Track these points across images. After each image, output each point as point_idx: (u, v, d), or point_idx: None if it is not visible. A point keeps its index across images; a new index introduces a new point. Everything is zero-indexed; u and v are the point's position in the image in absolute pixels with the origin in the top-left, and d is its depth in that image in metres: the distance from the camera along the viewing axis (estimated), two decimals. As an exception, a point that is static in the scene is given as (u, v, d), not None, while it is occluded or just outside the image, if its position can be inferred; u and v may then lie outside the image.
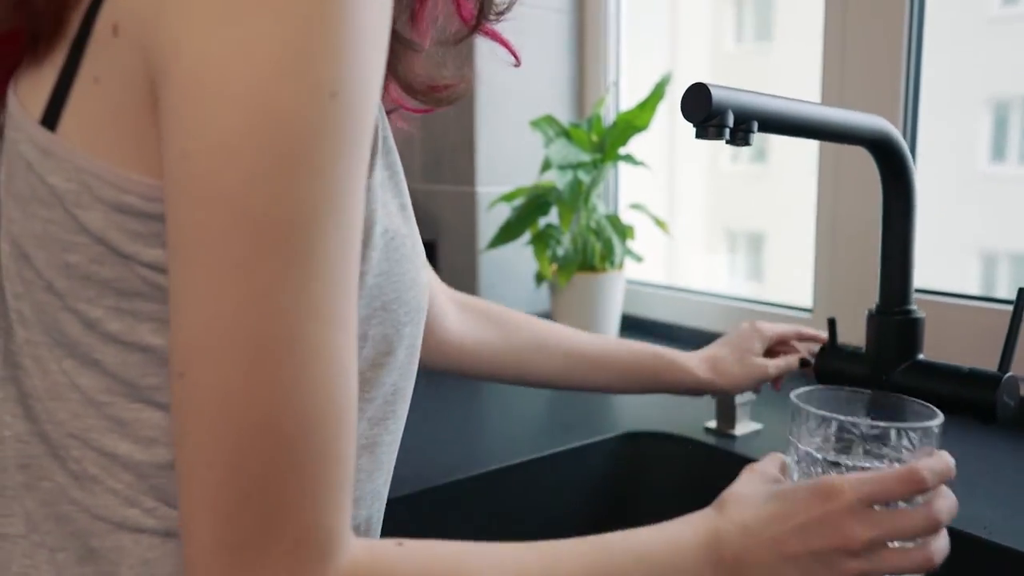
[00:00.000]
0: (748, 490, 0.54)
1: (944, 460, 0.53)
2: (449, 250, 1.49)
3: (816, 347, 0.83)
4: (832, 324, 0.81)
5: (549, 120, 1.27)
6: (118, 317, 0.43)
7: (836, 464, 0.56)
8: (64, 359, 0.44)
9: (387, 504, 0.62)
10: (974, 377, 0.70)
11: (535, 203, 1.26)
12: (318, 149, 0.36)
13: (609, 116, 1.46)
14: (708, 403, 0.98)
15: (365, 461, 0.53)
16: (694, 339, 1.31)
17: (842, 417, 0.58)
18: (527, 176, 1.43)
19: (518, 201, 1.30)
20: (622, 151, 1.26)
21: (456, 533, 0.81)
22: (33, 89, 0.43)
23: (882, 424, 0.57)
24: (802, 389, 0.63)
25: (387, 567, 0.42)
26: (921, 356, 0.74)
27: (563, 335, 0.84)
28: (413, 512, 0.77)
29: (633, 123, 1.23)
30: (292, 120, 0.36)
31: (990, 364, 0.70)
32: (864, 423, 0.58)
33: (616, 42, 1.49)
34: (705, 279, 1.92)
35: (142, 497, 0.44)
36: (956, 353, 0.96)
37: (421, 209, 1.53)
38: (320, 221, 0.37)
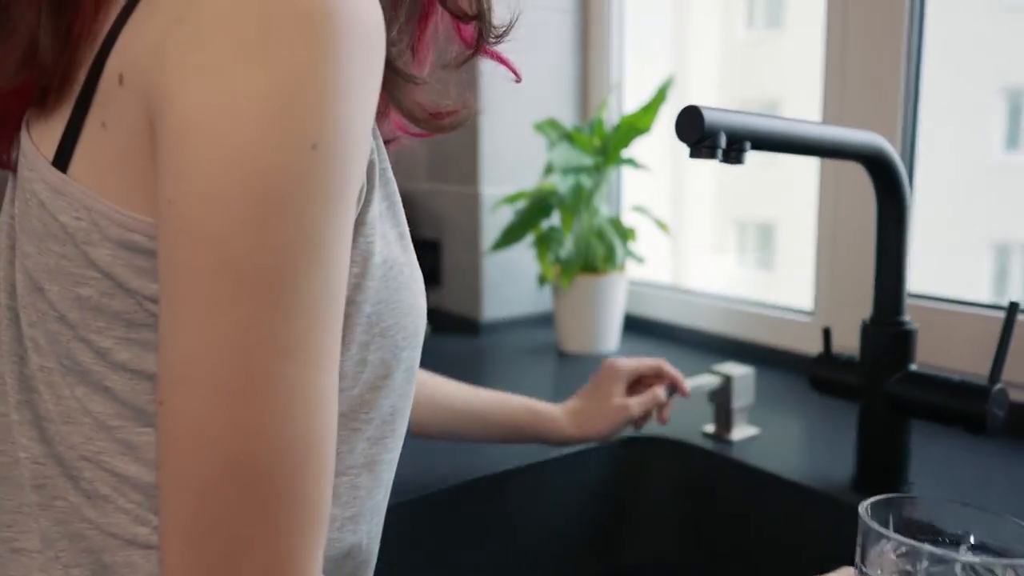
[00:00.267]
0: None
1: None
2: (453, 250, 1.50)
3: (679, 382, 0.86)
4: (827, 334, 0.82)
5: (552, 123, 1.29)
6: (127, 347, 0.45)
7: None
8: (76, 385, 0.46)
9: (387, 509, 0.64)
10: (964, 388, 0.71)
11: (537, 206, 1.28)
12: (298, 197, 0.38)
13: (613, 117, 1.47)
14: (706, 408, 1.00)
15: (365, 479, 0.54)
16: (697, 339, 1.33)
17: (932, 549, 0.46)
18: (531, 176, 1.44)
19: (521, 204, 1.31)
20: (625, 154, 1.28)
21: (456, 538, 0.83)
22: (45, 131, 0.46)
23: (947, 554, 0.45)
24: (875, 498, 0.51)
25: None
26: (913, 366, 0.75)
27: (449, 391, 0.85)
28: (413, 517, 0.79)
29: (636, 126, 1.25)
30: (273, 170, 0.38)
31: (1011, 372, 0.70)
32: (930, 551, 0.46)
33: (619, 43, 1.49)
34: (714, 271, 1.92)
35: (150, 516, 0.46)
36: (960, 359, 0.97)
37: (426, 209, 1.55)
38: (299, 265, 0.39)
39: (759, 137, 0.64)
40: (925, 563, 0.46)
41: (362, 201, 0.48)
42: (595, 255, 1.27)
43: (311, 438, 0.40)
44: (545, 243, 1.28)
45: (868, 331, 0.77)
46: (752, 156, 0.66)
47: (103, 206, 0.43)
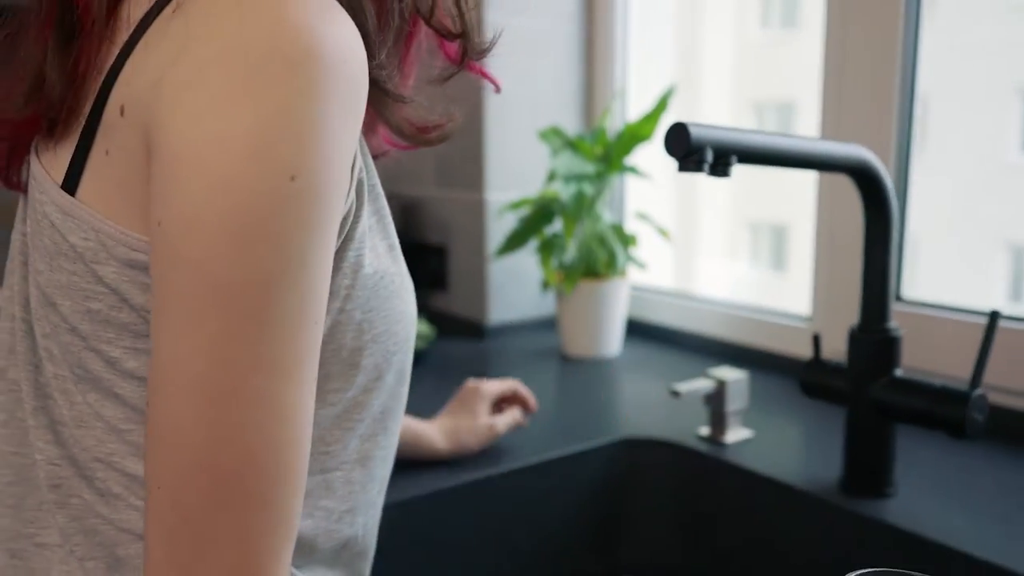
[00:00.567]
0: None
1: None
2: (460, 255, 1.53)
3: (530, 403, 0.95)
4: (816, 340, 0.85)
5: (555, 131, 1.31)
6: (134, 356, 0.48)
7: None
8: (88, 392, 0.49)
9: (384, 509, 0.67)
10: (946, 394, 0.73)
11: (540, 213, 1.30)
12: (276, 224, 0.41)
13: (617, 124, 1.49)
14: (701, 411, 1.02)
15: (358, 474, 0.58)
16: (698, 343, 1.35)
17: None
18: (535, 182, 1.47)
19: (524, 210, 1.34)
20: (627, 161, 1.30)
21: (453, 538, 0.86)
22: (54, 158, 0.49)
23: None
24: (863, 571, 0.51)
25: None
26: (898, 372, 0.78)
27: None
28: (410, 517, 0.82)
29: (638, 134, 1.27)
30: (253, 198, 0.41)
31: (998, 377, 0.71)
32: None
33: (624, 50, 1.52)
34: (725, 274, 1.92)
35: None
36: (958, 364, 0.99)
37: (433, 215, 1.58)
38: (275, 286, 0.42)
39: (744, 151, 0.67)
40: None
41: (351, 219, 0.51)
42: (597, 261, 1.30)
43: (281, 446, 0.43)
44: (548, 249, 1.31)
45: (855, 338, 0.79)
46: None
47: (109, 227, 0.46)
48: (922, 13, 1.04)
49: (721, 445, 0.93)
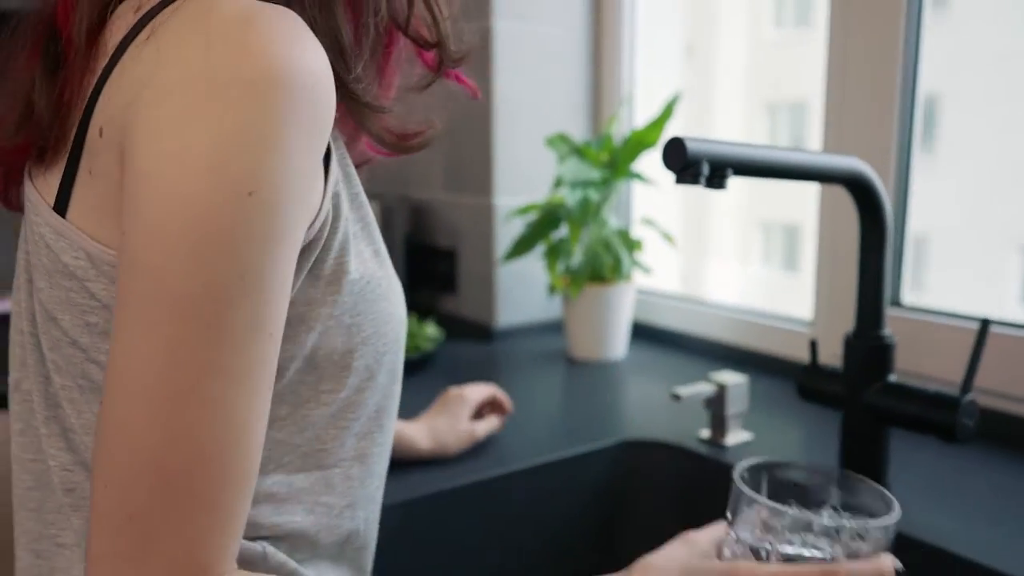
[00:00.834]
0: (665, 560, 0.60)
1: (877, 567, 0.54)
2: (468, 258, 1.55)
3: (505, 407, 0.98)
4: (813, 346, 0.87)
5: (562, 138, 1.34)
6: None
7: (760, 549, 0.54)
8: (94, 401, 0.52)
9: (385, 509, 0.69)
10: (937, 399, 0.75)
11: (547, 219, 1.33)
12: (232, 237, 0.44)
13: (624, 130, 1.51)
14: (702, 415, 1.04)
15: (357, 470, 0.61)
16: (702, 347, 1.37)
17: (770, 504, 0.55)
18: (543, 187, 1.49)
19: (532, 215, 1.36)
20: (633, 168, 1.32)
21: (454, 538, 0.88)
22: (45, 180, 0.52)
23: (804, 516, 0.53)
24: (749, 461, 0.60)
25: None
26: (892, 377, 0.80)
27: None
28: (414, 518, 0.84)
29: (643, 141, 1.29)
30: (210, 213, 0.43)
31: (994, 382, 0.72)
32: (791, 513, 0.54)
33: (631, 56, 1.54)
34: (736, 275, 1.92)
35: None
36: (954, 370, 1.01)
37: (442, 219, 1.61)
38: (229, 296, 0.44)
39: (739, 165, 0.69)
40: (788, 522, 0.53)
41: (327, 230, 0.53)
42: (603, 265, 1.32)
43: (230, 449, 0.45)
44: (554, 254, 1.33)
45: (850, 344, 0.81)
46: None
47: (94, 247, 0.49)
48: (924, 15, 1.05)
49: (721, 447, 0.95)
